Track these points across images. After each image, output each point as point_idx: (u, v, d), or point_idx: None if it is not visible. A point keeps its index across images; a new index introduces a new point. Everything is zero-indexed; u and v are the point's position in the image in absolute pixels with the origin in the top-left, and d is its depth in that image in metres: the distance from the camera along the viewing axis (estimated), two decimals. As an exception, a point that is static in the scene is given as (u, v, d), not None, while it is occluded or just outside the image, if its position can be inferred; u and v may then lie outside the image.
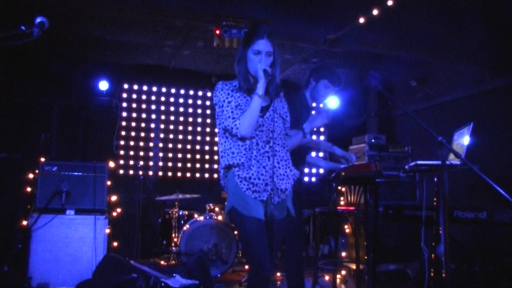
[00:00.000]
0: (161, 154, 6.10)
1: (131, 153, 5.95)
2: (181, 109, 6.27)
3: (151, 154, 6.07)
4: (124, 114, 5.96)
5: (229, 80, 2.46)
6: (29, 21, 1.74)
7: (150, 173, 5.98)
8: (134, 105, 6.04)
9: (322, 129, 6.95)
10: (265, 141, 2.33)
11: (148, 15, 4.23)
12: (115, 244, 4.91)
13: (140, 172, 5.61)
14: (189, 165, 6.22)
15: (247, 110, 2.29)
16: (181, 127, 6.25)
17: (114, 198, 5.00)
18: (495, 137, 4.61)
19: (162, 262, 4.97)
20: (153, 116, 6.12)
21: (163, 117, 6.17)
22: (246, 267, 4.92)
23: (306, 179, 6.49)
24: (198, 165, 6.25)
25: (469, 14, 4.39)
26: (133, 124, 6.00)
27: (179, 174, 6.16)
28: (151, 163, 6.05)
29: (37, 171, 4.21)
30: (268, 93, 2.36)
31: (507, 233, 3.84)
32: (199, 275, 3.88)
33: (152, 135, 6.10)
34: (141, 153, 6.00)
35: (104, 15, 4.35)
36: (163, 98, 6.19)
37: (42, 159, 4.38)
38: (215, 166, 6.24)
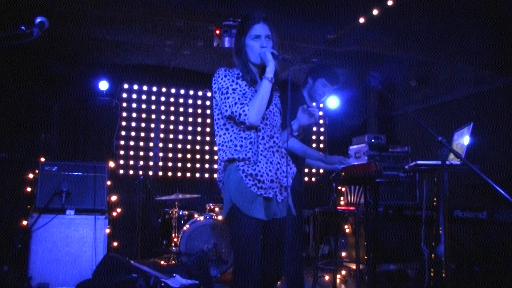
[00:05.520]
0: (161, 154, 6.10)
1: (131, 153, 5.95)
2: (181, 109, 6.27)
3: (151, 154, 6.06)
4: (124, 114, 5.96)
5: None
6: (29, 21, 1.74)
7: (150, 173, 5.98)
8: (134, 105, 6.04)
9: (322, 129, 6.94)
10: (269, 135, 2.22)
11: (148, 15, 4.22)
12: (115, 244, 4.92)
13: (140, 172, 5.61)
14: (189, 165, 6.22)
15: (256, 95, 2.14)
16: (181, 127, 6.25)
17: (114, 198, 5.00)
18: (495, 137, 4.61)
19: (162, 262, 4.96)
20: (153, 116, 6.12)
21: (163, 117, 6.17)
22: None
23: (306, 179, 6.49)
24: (198, 165, 6.26)
25: (469, 15, 4.39)
26: (133, 124, 6.00)
27: (179, 174, 6.16)
28: (151, 163, 6.04)
29: (37, 171, 4.22)
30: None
31: (507, 233, 3.84)
32: (199, 275, 3.88)
33: (152, 135, 6.10)
34: (141, 153, 6.00)
35: (104, 15, 4.35)
36: (163, 98, 6.19)
37: (42, 159, 4.38)
38: (215, 166, 6.24)
